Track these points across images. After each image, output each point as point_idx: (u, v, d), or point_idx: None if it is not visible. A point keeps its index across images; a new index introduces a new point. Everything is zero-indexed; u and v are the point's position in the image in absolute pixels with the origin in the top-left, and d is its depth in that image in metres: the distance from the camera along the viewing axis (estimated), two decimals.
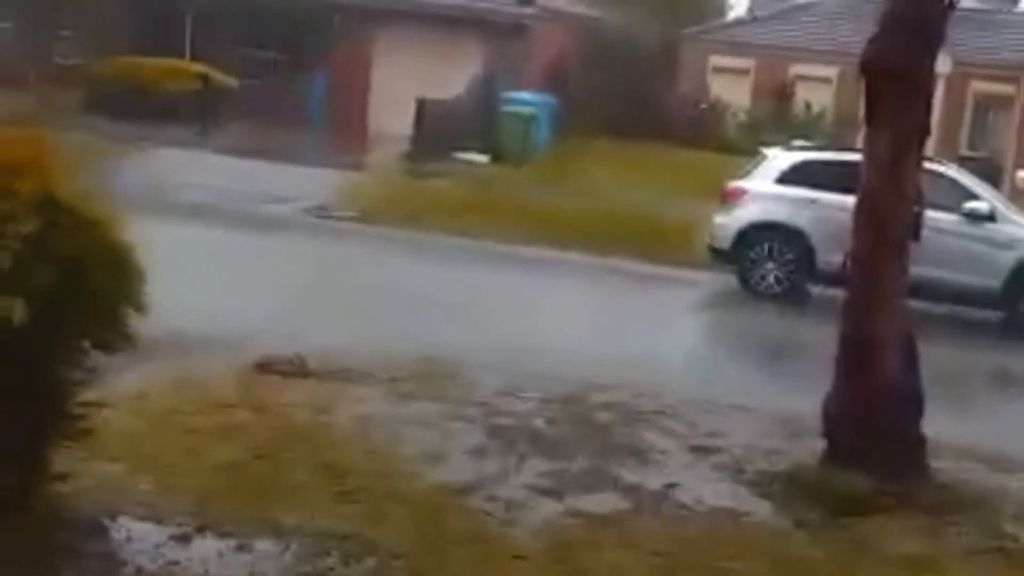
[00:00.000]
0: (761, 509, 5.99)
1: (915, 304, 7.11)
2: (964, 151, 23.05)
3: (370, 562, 4.78)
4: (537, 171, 19.94)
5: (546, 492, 5.86)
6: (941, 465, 6.51)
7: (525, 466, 6.20)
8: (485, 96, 23.04)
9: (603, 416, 7.28)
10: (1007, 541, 5.75)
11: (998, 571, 5.41)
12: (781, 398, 7.97)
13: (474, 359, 8.15)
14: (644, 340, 10.10)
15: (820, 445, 6.51)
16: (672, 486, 6.14)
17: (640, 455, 6.60)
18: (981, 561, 5.50)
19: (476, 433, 6.67)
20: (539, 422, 7.00)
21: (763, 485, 6.29)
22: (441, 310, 10.25)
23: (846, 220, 6.78)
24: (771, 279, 12.90)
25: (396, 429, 6.57)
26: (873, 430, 6.27)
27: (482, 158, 21.59)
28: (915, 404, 6.41)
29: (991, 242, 12.35)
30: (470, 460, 6.22)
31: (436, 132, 21.27)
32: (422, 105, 21.36)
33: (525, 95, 23.12)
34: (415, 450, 6.25)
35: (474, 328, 9.60)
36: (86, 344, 4.60)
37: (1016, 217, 12.68)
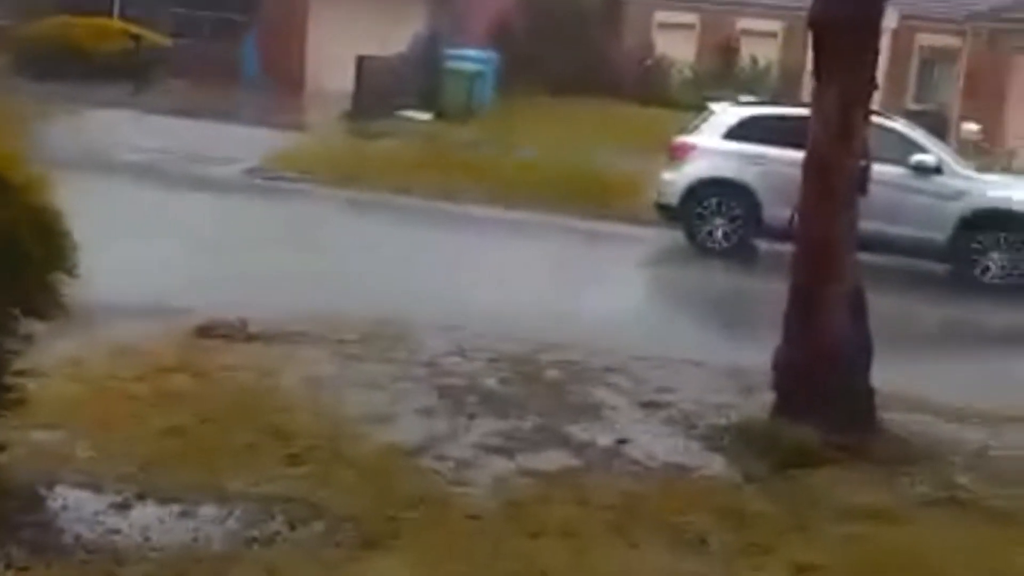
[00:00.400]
0: (712, 463, 5.99)
1: (863, 257, 7.11)
2: (911, 104, 23.20)
3: (318, 526, 4.69)
4: (482, 129, 19.78)
5: (497, 451, 5.80)
6: (892, 416, 6.53)
7: (475, 426, 6.13)
8: (428, 53, 22.76)
9: (553, 374, 7.23)
10: (959, 491, 5.77)
11: (951, 521, 5.43)
12: (731, 353, 7.96)
13: (423, 320, 8.06)
14: (594, 297, 10.05)
15: (771, 399, 6.51)
16: (623, 442, 6.12)
17: (591, 412, 6.56)
18: (934, 511, 5.52)
19: (425, 394, 6.59)
20: (489, 381, 6.94)
21: (714, 439, 6.29)
22: (389, 271, 10.13)
23: (793, 175, 6.76)
24: (719, 235, 12.90)
25: (344, 391, 6.48)
26: (822, 383, 6.28)
27: (425, 116, 21.37)
28: (864, 356, 6.42)
29: (938, 195, 12.41)
30: (420, 421, 6.14)
31: (378, 90, 21.00)
32: (362, 63, 21.07)
33: (469, 52, 22.88)
34: (364, 412, 6.15)
35: (423, 288, 9.49)
36: (18, 312, 4.45)
37: (962, 170, 12.75)
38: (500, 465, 5.64)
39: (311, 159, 16.23)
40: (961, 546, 5.12)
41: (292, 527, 4.67)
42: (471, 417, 6.26)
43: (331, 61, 22.62)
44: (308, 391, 6.41)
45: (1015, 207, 12.30)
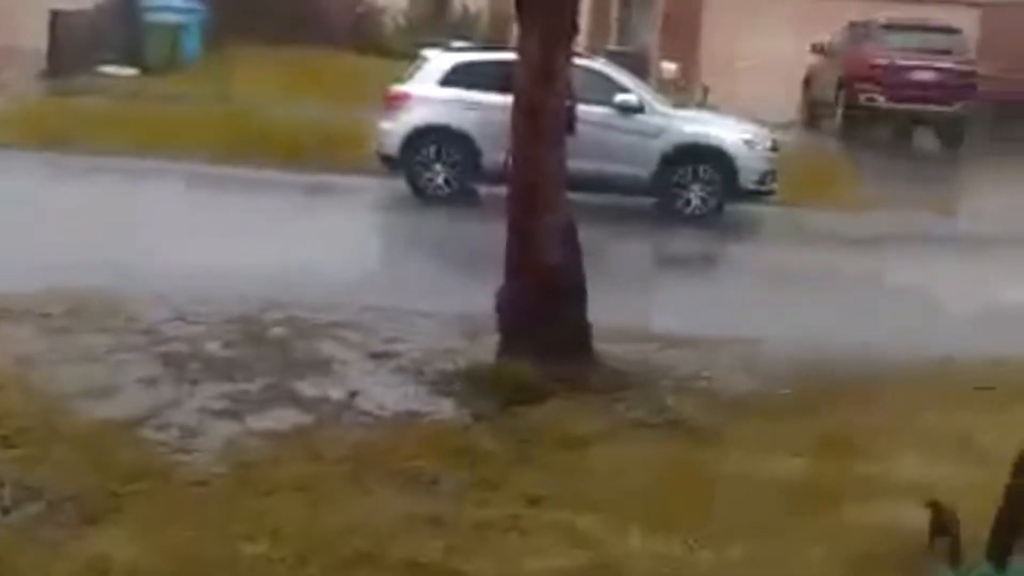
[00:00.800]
0: (442, 407, 6.13)
1: (576, 196, 7.38)
2: (613, 45, 24.01)
3: (34, 507, 4.49)
4: (191, 83, 19.04)
5: (223, 415, 5.71)
6: (609, 348, 6.84)
7: (199, 391, 6.00)
8: (127, 6, 21.65)
9: (280, 333, 7.14)
10: (669, 413, 6.16)
11: (659, 440, 5.78)
12: (459, 298, 8.07)
13: (139, 286, 7.75)
14: (319, 251, 9.93)
15: (497, 340, 6.68)
16: (353, 395, 6.15)
17: (319, 368, 6.54)
18: (645, 433, 5.87)
19: (144, 363, 6.37)
20: (213, 345, 6.79)
21: (443, 384, 6.42)
22: (96, 235, 9.63)
23: (508, 120, 6.90)
24: (440, 181, 13.02)
25: (55, 367, 6.17)
26: (540, 319, 6.50)
27: (130, 71, 20.36)
28: (578, 291, 6.69)
29: (641, 133, 12.97)
30: (139, 391, 5.94)
31: (76, 45, 19.80)
32: (56, 17, 19.81)
33: (171, 3, 21.94)
34: (77, 386, 5.89)
35: (136, 252, 9.09)
36: None
37: (662, 108, 13.38)
38: (228, 429, 5.56)
39: (8, 121, 15.13)
40: (667, 462, 5.46)
41: (5, 512, 4.45)
42: (194, 383, 6.12)
43: (20, 15, 21.06)
44: (15, 368, 6.07)
45: (711, 141, 13.05)
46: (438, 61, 13.54)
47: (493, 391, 6.21)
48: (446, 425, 5.88)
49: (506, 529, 4.64)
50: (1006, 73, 20.17)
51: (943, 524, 4.41)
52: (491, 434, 5.71)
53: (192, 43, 21.98)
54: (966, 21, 20.78)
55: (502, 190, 7.74)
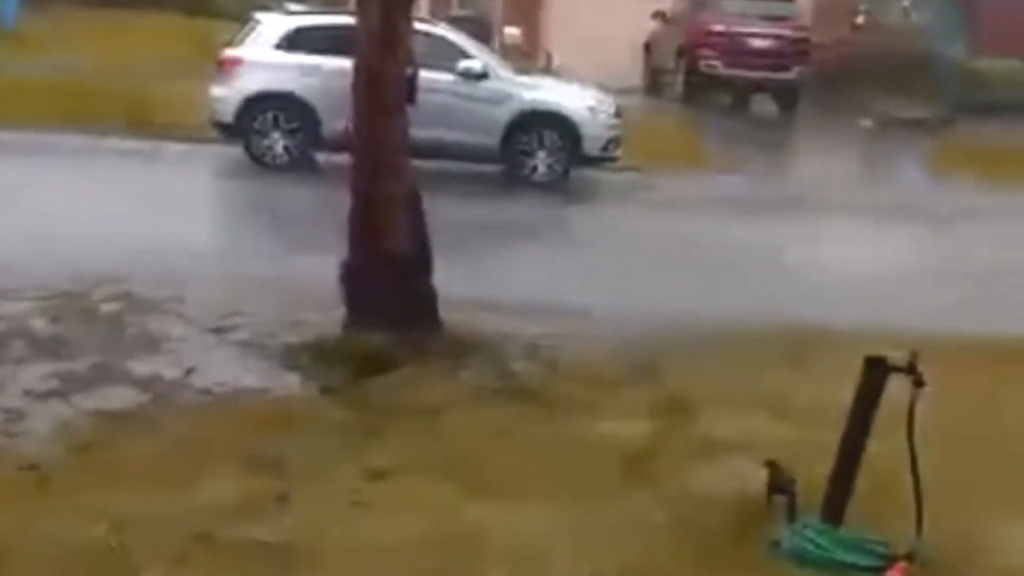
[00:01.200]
0: (288, 381, 5.99)
1: (423, 164, 7.24)
2: (455, 11, 23.86)
3: None
4: (10, 48, 18.09)
5: (51, 395, 5.46)
6: (455, 316, 6.76)
7: (23, 371, 5.72)
8: None
9: (112, 308, 6.86)
10: (515, 380, 6.15)
11: (503, 405, 5.75)
12: (304, 269, 7.87)
13: None
14: (154, 222, 9.55)
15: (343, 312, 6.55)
16: (191, 372, 5.94)
17: (154, 344, 6.31)
18: (493, 400, 5.84)
19: None
20: (38, 323, 6.47)
21: (289, 358, 6.29)
22: None
23: (348, 85, 6.75)
24: (278, 149, 12.71)
25: None
26: (386, 287, 6.41)
27: None
28: (424, 260, 6.61)
29: (486, 100, 12.89)
30: None
31: None
32: None
33: None
34: None
35: None
36: None
37: (506, 74, 13.33)
38: (57, 410, 5.31)
39: None
40: (515, 429, 5.44)
41: None
42: (19, 362, 5.83)
43: None
44: None
45: (555, 108, 13.07)
46: (273, 25, 13.17)
47: (341, 363, 6.09)
48: (291, 400, 5.75)
49: (355, 502, 4.54)
50: (837, 40, 20.88)
51: (780, 483, 4.51)
52: (339, 407, 5.61)
53: (9, 6, 20.95)
54: None
55: (344, 158, 7.60)
